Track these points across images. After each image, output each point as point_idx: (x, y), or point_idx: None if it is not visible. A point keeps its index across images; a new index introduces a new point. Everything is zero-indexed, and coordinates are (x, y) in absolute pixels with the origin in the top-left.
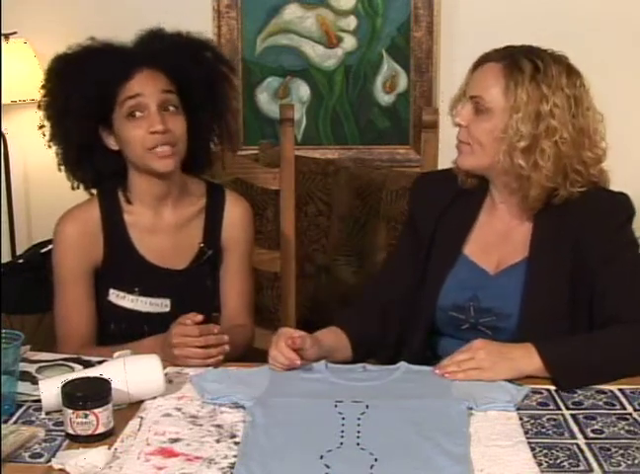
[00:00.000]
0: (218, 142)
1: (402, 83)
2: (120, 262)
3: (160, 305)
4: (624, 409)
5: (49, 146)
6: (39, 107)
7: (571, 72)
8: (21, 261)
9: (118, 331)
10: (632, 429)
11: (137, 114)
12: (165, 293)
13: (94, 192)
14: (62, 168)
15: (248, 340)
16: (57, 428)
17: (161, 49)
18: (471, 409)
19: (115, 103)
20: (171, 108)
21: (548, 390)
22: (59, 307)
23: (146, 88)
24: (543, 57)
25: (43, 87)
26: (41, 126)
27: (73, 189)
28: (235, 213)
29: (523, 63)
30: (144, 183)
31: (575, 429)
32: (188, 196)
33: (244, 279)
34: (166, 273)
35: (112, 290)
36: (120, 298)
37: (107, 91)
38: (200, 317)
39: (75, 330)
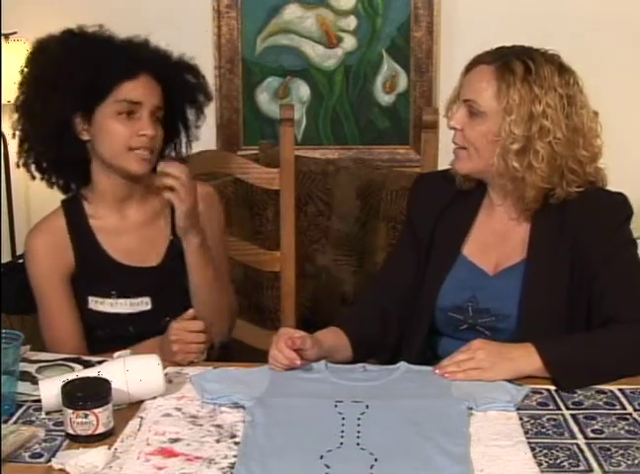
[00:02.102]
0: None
1: (402, 83)
2: (92, 267)
3: (140, 304)
4: (624, 409)
5: (18, 119)
6: (21, 72)
7: (563, 71)
8: (21, 261)
9: (104, 336)
10: (632, 429)
11: (128, 116)
12: (143, 292)
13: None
14: (26, 144)
15: (233, 313)
16: (57, 428)
17: (167, 65)
18: (471, 409)
19: (108, 95)
20: (159, 120)
21: (548, 390)
22: (45, 321)
23: (147, 97)
24: (535, 58)
25: (37, 56)
26: (18, 98)
27: (18, 166)
28: (199, 199)
29: (515, 65)
30: (108, 182)
31: (575, 429)
32: (151, 193)
33: (219, 256)
34: (140, 271)
35: (90, 298)
36: (99, 304)
37: (105, 81)
38: (191, 312)
39: (65, 342)
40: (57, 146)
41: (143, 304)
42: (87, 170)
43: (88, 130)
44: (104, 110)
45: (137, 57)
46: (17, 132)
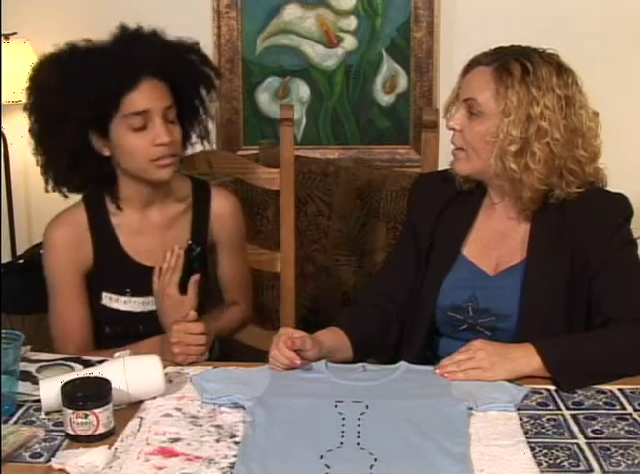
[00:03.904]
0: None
1: (402, 83)
2: (109, 264)
3: (153, 303)
4: (624, 409)
5: (37, 151)
6: (24, 108)
7: (561, 71)
8: (21, 261)
9: (113, 333)
10: (632, 429)
11: (143, 126)
12: None
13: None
14: (49, 172)
15: (241, 319)
16: (57, 428)
17: (164, 58)
18: (471, 409)
19: (116, 111)
20: (172, 119)
21: (548, 390)
22: (54, 312)
23: (152, 103)
24: (533, 58)
25: (35, 88)
26: (30, 130)
27: (47, 191)
28: (222, 208)
29: (513, 66)
30: (133, 188)
31: (575, 429)
32: (173, 195)
33: (238, 264)
34: None
35: (104, 294)
36: (112, 301)
37: (109, 99)
38: (192, 313)
39: (71, 334)
40: (81, 167)
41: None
42: (112, 177)
43: (107, 146)
44: (116, 126)
45: (134, 64)
46: (39, 159)
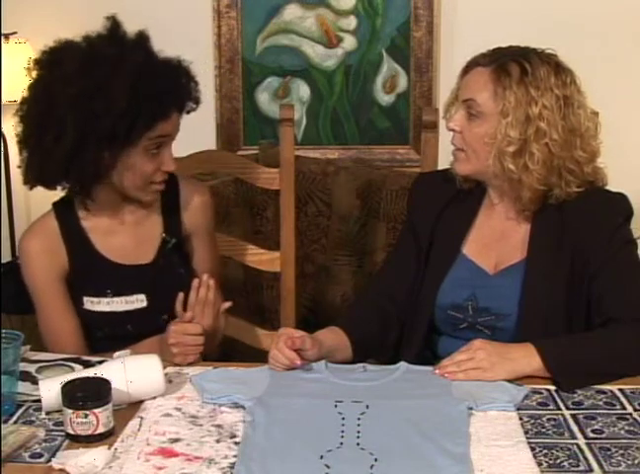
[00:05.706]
0: None
1: (402, 83)
2: (86, 268)
3: (136, 301)
4: (624, 409)
5: (27, 142)
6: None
7: (560, 71)
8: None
9: (102, 336)
10: (632, 429)
11: (157, 150)
12: (138, 289)
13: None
14: (37, 166)
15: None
16: (57, 428)
17: (190, 93)
18: (471, 409)
19: (142, 134)
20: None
21: (548, 390)
22: (43, 323)
23: (174, 131)
24: (531, 59)
25: (79, 78)
26: (25, 119)
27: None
28: (191, 200)
29: (511, 67)
30: (107, 197)
31: (575, 429)
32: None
33: (212, 251)
34: (134, 269)
35: (85, 298)
36: (95, 304)
37: (142, 125)
38: (189, 314)
39: (64, 342)
40: (74, 166)
41: (139, 302)
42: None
43: (110, 156)
44: (133, 145)
45: (172, 94)
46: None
